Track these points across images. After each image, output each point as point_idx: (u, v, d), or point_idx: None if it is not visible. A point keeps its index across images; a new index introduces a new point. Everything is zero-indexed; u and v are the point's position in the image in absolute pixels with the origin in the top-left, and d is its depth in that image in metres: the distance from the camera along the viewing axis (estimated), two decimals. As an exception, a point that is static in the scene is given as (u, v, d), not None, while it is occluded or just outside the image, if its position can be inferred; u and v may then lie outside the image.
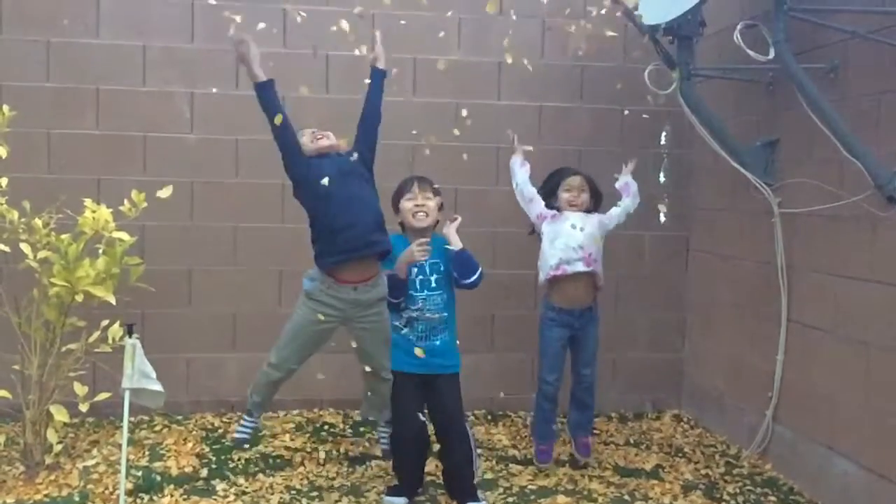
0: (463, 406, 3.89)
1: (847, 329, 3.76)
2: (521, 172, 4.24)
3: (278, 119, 3.49)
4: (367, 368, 3.68)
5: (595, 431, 4.76)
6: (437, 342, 3.80)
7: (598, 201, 4.27)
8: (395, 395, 3.77)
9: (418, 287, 3.77)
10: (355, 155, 3.61)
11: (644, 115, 4.80)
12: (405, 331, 3.78)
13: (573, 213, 4.17)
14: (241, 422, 3.85)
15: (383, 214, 3.62)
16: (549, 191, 4.25)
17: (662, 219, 4.80)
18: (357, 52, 3.82)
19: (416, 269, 3.77)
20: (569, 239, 4.09)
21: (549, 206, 4.21)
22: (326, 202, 3.48)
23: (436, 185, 3.93)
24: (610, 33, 4.36)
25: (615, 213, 4.26)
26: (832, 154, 3.57)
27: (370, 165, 3.68)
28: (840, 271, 3.81)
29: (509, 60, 4.17)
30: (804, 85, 3.61)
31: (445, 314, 3.81)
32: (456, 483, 3.81)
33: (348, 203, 3.48)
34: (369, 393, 3.81)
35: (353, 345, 3.66)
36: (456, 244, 3.78)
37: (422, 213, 3.82)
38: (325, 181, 3.43)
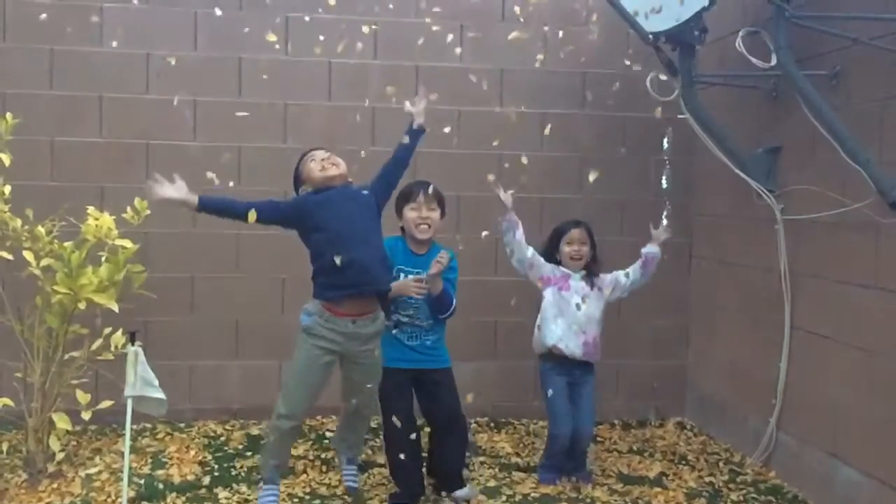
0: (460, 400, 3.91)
1: (851, 336, 3.75)
2: (517, 244, 4.06)
3: (251, 217, 3.39)
4: (353, 401, 3.64)
5: (598, 439, 4.75)
6: (428, 342, 3.87)
7: (596, 255, 4.22)
8: (387, 394, 3.75)
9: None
10: (366, 191, 3.55)
11: (644, 130, 4.80)
12: (395, 331, 3.83)
13: (576, 283, 4.11)
14: (262, 493, 3.67)
15: (387, 253, 3.64)
16: (553, 246, 4.20)
17: (664, 223, 4.79)
18: (406, 106, 3.77)
19: (411, 277, 3.80)
20: (571, 319, 4.06)
21: (550, 259, 4.16)
22: (332, 237, 3.41)
23: (441, 194, 3.94)
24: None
25: (621, 286, 4.20)
26: (835, 161, 3.57)
27: (381, 206, 3.64)
28: (843, 278, 3.80)
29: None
30: (806, 92, 3.61)
31: (432, 321, 3.86)
32: (447, 472, 3.85)
33: (354, 238, 3.40)
34: (346, 430, 3.80)
35: (342, 379, 3.62)
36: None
37: (424, 226, 3.84)
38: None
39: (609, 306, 4.28)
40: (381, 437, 4.06)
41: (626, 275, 4.22)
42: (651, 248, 4.22)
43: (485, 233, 4.29)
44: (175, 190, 3.36)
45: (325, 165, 3.53)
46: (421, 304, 3.81)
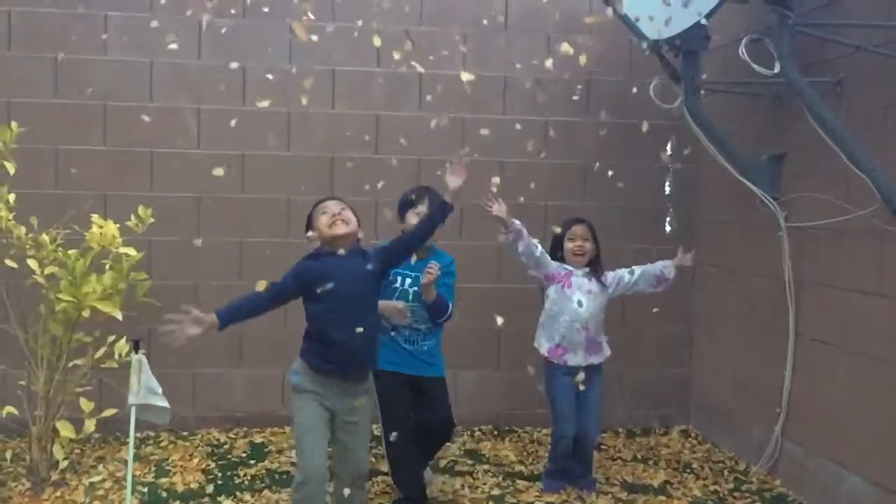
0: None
1: (855, 343, 3.74)
2: (527, 251, 4.00)
3: (271, 307, 3.34)
4: (345, 491, 3.36)
5: (602, 447, 4.74)
6: (424, 347, 3.89)
7: (599, 251, 4.18)
8: (387, 397, 3.78)
9: (410, 298, 3.83)
10: (371, 266, 3.37)
11: (647, 137, 4.78)
12: (393, 333, 3.85)
13: (578, 280, 4.08)
14: None
15: (380, 328, 3.58)
16: (557, 244, 4.19)
17: (668, 228, 4.79)
18: (446, 177, 3.68)
19: (409, 280, 3.84)
20: (573, 317, 4.03)
21: (555, 256, 4.15)
22: (326, 311, 3.30)
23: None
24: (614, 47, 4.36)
25: (624, 284, 4.16)
26: (838, 168, 3.56)
27: (386, 270, 3.55)
28: (848, 285, 3.79)
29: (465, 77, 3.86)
30: (810, 99, 3.61)
31: (429, 325, 3.89)
32: (426, 451, 3.99)
33: (346, 318, 3.26)
34: None
35: (333, 445, 3.42)
36: (430, 296, 3.75)
37: None
38: (328, 286, 3.20)
39: (613, 313, 4.27)
40: (383, 445, 4.07)
41: (631, 272, 4.19)
42: (671, 271, 4.17)
43: (501, 237, 4.20)
44: (196, 324, 3.22)
45: (334, 221, 3.36)
46: (418, 309, 3.83)
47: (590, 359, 4.07)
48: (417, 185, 4.16)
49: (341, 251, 3.31)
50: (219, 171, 4.09)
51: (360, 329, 3.22)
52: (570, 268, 4.13)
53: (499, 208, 3.89)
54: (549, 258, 4.12)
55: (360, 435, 3.41)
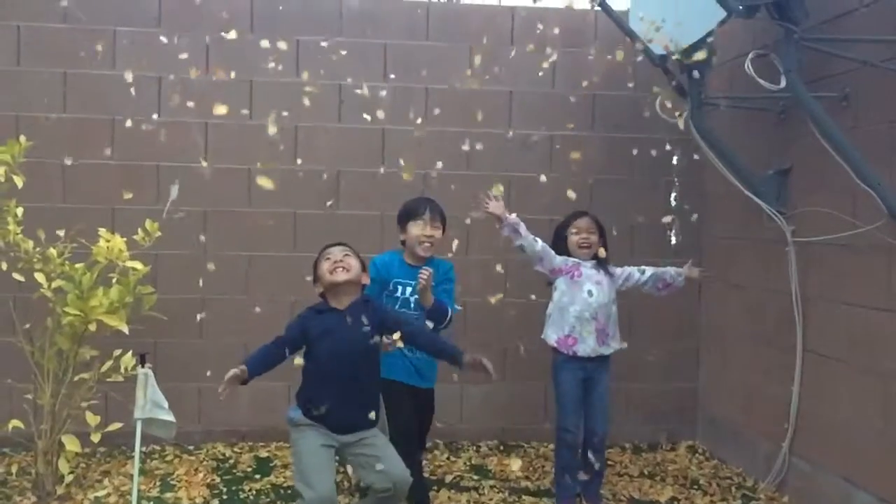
0: None
1: (863, 359, 3.72)
2: (527, 245, 3.96)
3: (284, 357, 3.38)
4: (386, 485, 3.31)
5: (609, 463, 4.71)
6: (423, 355, 3.87)
7: (606, 244, 4.15)
8: (394, 404, 3.79)
9: (412, 306, 3.87)
10: (368, 329, 3.39)
11: (653, 151, 4.78)
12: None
13: (588, 271, 4.05)
14: None
15: (378, 392, 3.56)
16: (559, 238, 4.16)
17: (673, 240, 4.78)
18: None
19: (409, 289, 3.87)
20: (584, 306, 3.99)
21: (559, 251, 4.10)
22: (323, 366, 3.35)
23: (443, 212, 3.99)
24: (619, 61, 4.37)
25: (634, 279, 4.15)
26: (845, 182, 3.56)
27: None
28: (855, 300, 3.78)
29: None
30: (816, 114, 3.60)
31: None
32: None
33: (341, 380, 3.32)
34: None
35: (353, 471, 3.47)
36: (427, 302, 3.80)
37: (427, 244, 3.90)
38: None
39: (620, 325, 4.22)
40: None
41: (641, 271, 4.17)
42: (678, 278, 4.18)
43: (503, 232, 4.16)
44: (239, 375, 3.26)
45: (335, 268, 3.42)
46: (419, 315, 3.85)
47: (599, 349, 4.00)
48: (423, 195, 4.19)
49: (341, 305, 3.39)
50: (273, 129, 4.05)
51: (352, 389, 3.31)
52: (577, 260, 4.08)
53: (495, 205, 3.89)
54: (553, 252, 4.05)
55: (380, 448, 3.39)
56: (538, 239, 4.00)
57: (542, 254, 4.01)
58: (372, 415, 3.41)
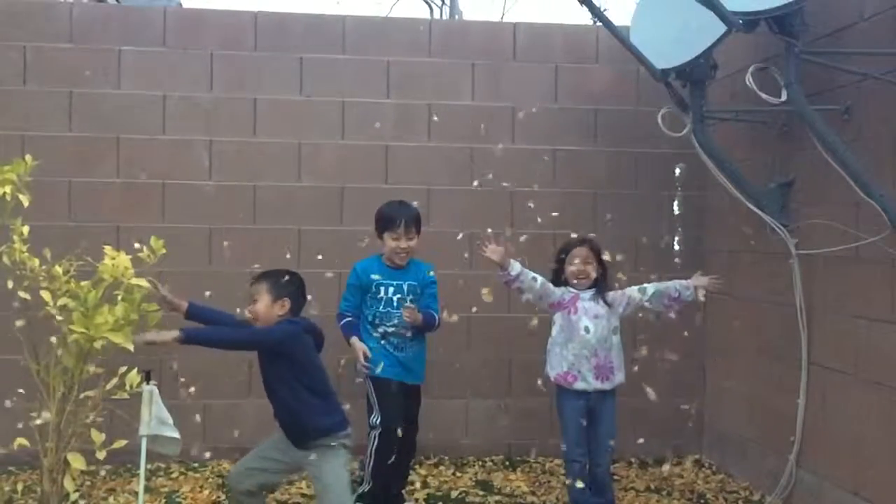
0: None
1: (869, 371, 3.71)
2: (526, 288, 3.91)
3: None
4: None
5: (615, 478, 4.69)
6: (410, 353, 4.15)
7: (605, 271, 4.07)
8: (383, 396, 3.99)
9: (395, 305, 4.10)
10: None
11: (655, 165, 4.80)
12: (383, 342, 4.11)
13: (585, 304, 3.97)
14: None
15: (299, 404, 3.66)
16: (560, 266, 4.08)
17: (676, 247, 4.78)
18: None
19: (392, 289, 4.11)
20: (581, 344, 3.93)
21: (559, 279, 4.05)
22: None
23: (419, 218, 4.18)
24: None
25: (634, 303, 4.03)
26: (848, 195, 3.56)
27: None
28: (860, 313, 3.77)
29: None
30: (817, 127, 3.61)
31: (415, 330, 4.14)
32: (400, 473, 4.21)
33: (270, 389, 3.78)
34: None
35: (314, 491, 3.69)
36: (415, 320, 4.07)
37: (403, 255, 4.13)
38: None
39: (624, 343, 4.19)
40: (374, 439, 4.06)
41: (642, 291, 4.03)
42: (686, 291, 4.05)
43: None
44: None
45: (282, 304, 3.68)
46: (400, 316, 4.09)
47: (600, 385, 3.95)
48: (426, 215, 4.21)
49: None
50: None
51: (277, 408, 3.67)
52: (575, 291, 4.01)
53: (493, 249, 3.80)
54: (552, 286, 3.98)
55: (333, 467, 3.54)
56: (537, 276, 3.91)
57: (542, 292, 3.93)
58: (302, 435, 3.60)
